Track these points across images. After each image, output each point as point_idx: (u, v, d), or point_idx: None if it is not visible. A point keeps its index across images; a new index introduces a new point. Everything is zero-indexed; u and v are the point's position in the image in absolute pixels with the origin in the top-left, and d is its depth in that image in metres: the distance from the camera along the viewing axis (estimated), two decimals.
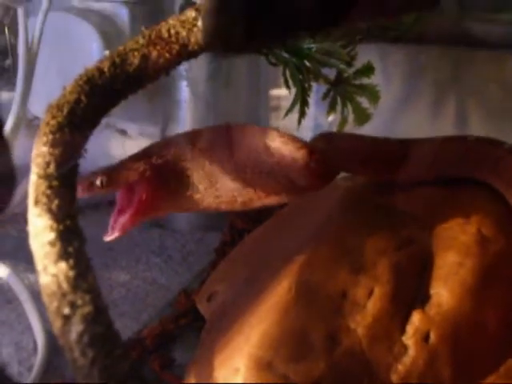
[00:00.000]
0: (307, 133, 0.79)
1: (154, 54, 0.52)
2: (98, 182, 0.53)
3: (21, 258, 0.82)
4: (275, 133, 0.55)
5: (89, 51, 1.01)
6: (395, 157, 0.60)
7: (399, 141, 0.61)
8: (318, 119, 1.01)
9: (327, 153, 0.56)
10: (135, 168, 0.55)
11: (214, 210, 0.57)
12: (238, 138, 0.55)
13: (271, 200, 0.58)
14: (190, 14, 0.52)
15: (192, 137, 0.57)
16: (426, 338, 0.51)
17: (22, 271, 0.83)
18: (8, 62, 1.10)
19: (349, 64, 0.76)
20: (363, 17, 0.40)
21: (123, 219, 0.55)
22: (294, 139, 0.55)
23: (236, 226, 0.89)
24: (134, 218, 0.55)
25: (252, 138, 0.55)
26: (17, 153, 0.67)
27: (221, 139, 0.56)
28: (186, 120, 1.00)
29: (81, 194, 0.52)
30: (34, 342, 0.76)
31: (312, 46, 0.73)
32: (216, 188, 0.55)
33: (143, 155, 0.56)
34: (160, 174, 0.55)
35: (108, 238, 0.55)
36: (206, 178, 0.55)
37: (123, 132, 1.16)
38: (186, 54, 0.51)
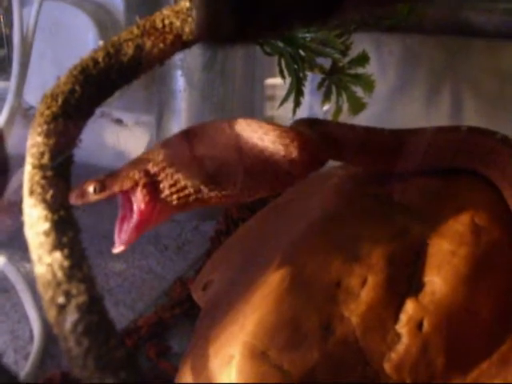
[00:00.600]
0: None
1: (149, 44, 0.52)
2: (90, 189, 0.51)
3: (17, 247, 0.82)
4: (256, 123, 0.54)
5: (84, 41, 1.01)
6: (388, 147, 0.60)
7: (392, 131, 0.61)
8: (313, 108, 1.01)
9: (311, 139, 0.55)
10: (130, 176, 0.53)
11: (221, 205, 0.57)
12: (243, 135, 0.54)
13: (274, 190, 0.57)
14: (184, 4, 0.52)
15: (189, 137, 0.55)
16: (420, 326, 0.51)
17: (17, 260, 0.83)
18: (3, 51, 1.10)
19: (344, 53, 0.76)
20: (358, 7, 0.39)
21: (127, 228, 0.53)
22: (277, 128, 0.54)
23: (231, 215, 0.89)
24: (137, 229, 0.53)
25: (250, 132, 0.54)
26: (13, 142, 0.67)
27: (224, 137, 0.54)
28: (181, 109, 1.00)
29: (74, 201, 0.51)
30: (30, 331, 0.76)
31: (307, 35, 0.73)
32: (223, 187, 0.54)
33: (139, 162, 0.54)
34: (158, 182, 0.53)
35: (115, 250, 0.53)
36: (210, 179, 0.54)
37: (119, 121, 1.16)
38: (180, 44, 0.52)
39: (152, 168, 0.53)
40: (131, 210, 0.53)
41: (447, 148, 0.60)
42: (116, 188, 0.52)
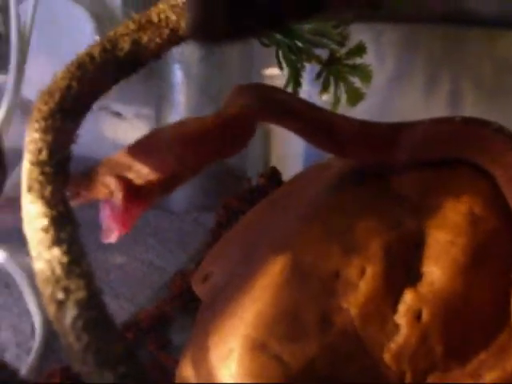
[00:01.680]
0: None
1: (145, 38, 0.52)
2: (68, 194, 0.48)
3: (17, 242, 0.82)
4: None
5: (82, 35, 1.00)
6: (385, 140, 0.60)
7: (388, 124, 0.61)
8: (312, 99, 1.01)
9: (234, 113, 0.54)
10: (106, 183, 0.49)
11: None
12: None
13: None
14: None
15: (173, 141, 0.51)
16: (418, 316, 0.52)
17: (18, 255, 0.83)
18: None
19: (341, 44, 0.76)
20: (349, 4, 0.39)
21: (112, 228, 0.50)
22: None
23: (231, 206, 0.89)
24: (123, 230, 0.50)
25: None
26: (13, 138, 0.67)
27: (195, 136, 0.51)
28: (179, 102, 1.00)
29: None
30: (32, 326, 0.76)
31: (304, 26, 0.73)
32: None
33: (115, 166, 0.50)
34: (143, 192, 0.50)
35: (105, 240, 0.51)
36: (193, 174, 0.52)
37: (118, 114, 1.16)
38: (177, 38, 0.51)
39: (137, 179, 0.49)
40: (113, 209, 0.50)
41: (443, 139, 0.60)
42: (89, 196, 0.50)
